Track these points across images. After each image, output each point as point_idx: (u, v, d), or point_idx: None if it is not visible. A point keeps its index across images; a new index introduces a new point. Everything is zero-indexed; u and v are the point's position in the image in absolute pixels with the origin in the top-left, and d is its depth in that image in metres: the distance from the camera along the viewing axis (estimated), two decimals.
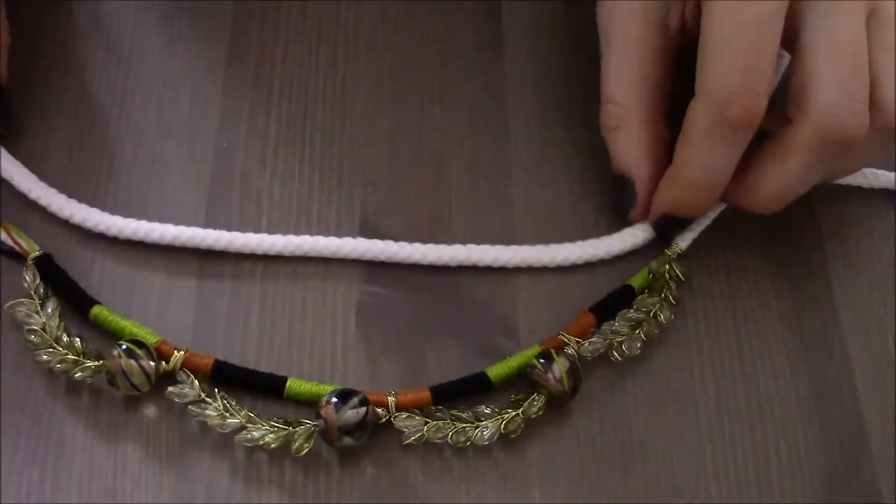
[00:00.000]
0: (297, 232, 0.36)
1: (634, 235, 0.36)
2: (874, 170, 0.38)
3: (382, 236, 0.36)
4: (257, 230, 0.36)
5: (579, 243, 0.36)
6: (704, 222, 0.36)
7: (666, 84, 0.36)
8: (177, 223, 0.35)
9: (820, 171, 0.34)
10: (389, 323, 0.35)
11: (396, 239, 0.36)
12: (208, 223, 0.36)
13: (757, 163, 0.34)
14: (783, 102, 0.34)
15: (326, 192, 0.37)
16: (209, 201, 0.36)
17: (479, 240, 0.36)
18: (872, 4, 0.33)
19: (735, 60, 0.32)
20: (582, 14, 0.40)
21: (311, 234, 0.35)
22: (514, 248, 0.36)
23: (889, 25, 0.33)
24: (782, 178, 0.34)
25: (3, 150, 0.35)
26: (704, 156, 0.33)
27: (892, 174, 0.38)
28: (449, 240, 0.36)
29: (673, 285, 0.35)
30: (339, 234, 0.36)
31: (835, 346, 0.35)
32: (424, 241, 0.36)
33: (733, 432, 0.34)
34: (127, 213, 0.35)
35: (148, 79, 0.38)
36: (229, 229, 0.35)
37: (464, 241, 0.36)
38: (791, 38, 0.33)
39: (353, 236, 0.36)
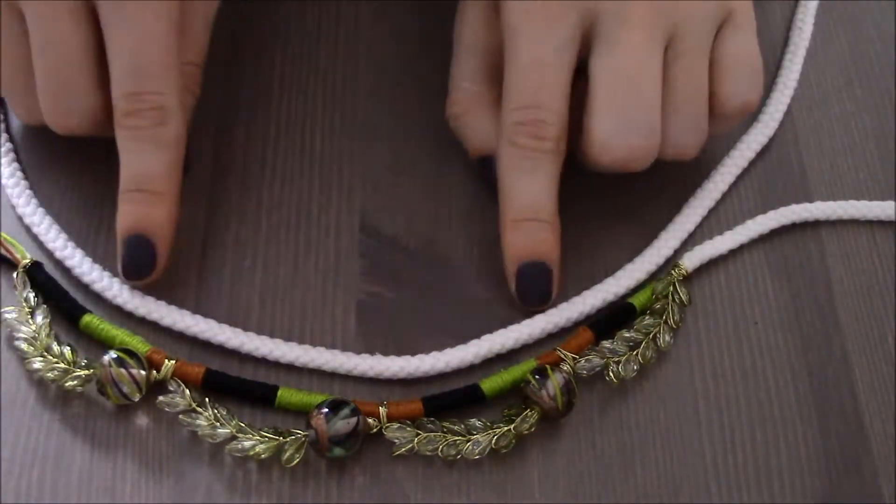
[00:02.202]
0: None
1: (650, 265, 0.36)
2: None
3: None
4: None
5: (586, 294, 0.35)
6: (720, 248, 0.36)
7: None
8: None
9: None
10: (389, 323, 0.35)
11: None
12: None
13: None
14: None
15: (326, 192, 0.37)
16: (209, 201, 0.36)
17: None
18: (670, 33, 0.34)
19: (520, 98, 0.34)
20: None
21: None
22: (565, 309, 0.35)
23: (685, 58, 0.34)
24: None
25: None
26: (516, 188, 0.34)
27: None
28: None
29: (675, 309, 0.35)
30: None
31: (835, 346, 0.35)
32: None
33: (733, 432, 0.34)
34: None
35: None
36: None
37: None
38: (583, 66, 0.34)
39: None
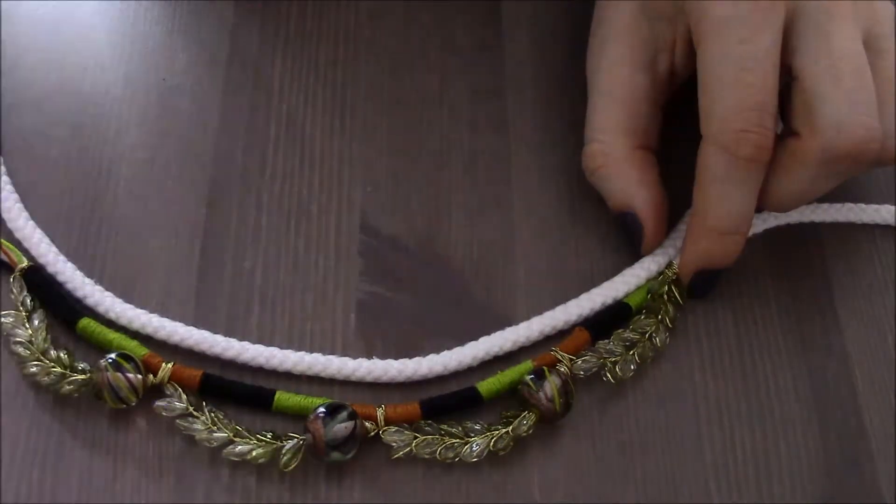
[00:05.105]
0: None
1: (648, 269, 0.36)
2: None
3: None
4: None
5: (584, 297, 0.35)
6: None
7: (652, 124, 0.36)
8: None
9: (831, 181, 0.34)
10: (389, 323, 0.35)
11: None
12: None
13: (769, 169, 0.33)
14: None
15: (326, 192, 0.37)
16: (209, 201, 0.36)
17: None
18: (867, 32, 0.33)
19: (742, 100, 0.32)
20: (582, 14, 0.40)
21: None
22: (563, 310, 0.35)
23: (887, 56, 0.33)
24: (794, 186, 0.33)
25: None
26: (725, 200, 0.33)
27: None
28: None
29: (670, 307, 0.35)
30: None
31: (835, 346, 0.35)
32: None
33: (733, 432, 0.34)
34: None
35: (148, 79, 0.38)
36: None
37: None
38: (786, 63, 0.33)
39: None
